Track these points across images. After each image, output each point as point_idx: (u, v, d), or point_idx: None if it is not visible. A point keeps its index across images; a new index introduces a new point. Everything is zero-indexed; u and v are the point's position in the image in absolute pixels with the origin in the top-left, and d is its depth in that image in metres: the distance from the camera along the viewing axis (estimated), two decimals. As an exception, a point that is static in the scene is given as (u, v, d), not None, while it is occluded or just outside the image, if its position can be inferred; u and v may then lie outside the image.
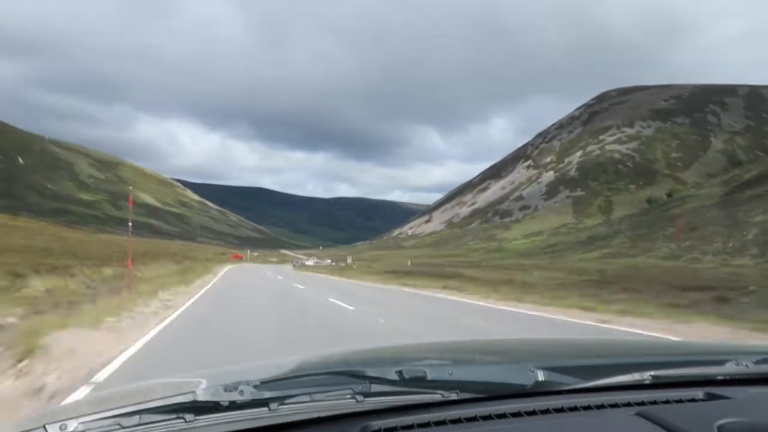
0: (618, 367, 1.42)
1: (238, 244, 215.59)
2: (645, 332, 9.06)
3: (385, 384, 1.14)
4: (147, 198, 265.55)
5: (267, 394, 1.04)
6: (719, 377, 1.42)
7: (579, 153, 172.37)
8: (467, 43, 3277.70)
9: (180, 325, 9.66)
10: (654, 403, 1.25)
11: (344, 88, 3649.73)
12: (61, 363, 5.58)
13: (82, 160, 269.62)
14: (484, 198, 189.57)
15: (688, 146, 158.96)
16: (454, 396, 1.18)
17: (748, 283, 18.04)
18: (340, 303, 15.00)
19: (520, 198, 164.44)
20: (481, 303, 15.83)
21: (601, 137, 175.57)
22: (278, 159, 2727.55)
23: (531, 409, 1.17)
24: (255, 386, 1.04)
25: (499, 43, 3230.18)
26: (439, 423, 1.09)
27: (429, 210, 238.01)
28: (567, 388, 1.28)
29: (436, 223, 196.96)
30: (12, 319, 7.93)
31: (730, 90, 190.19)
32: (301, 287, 23.87)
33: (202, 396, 1.01)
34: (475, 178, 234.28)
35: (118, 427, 0.95)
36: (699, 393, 1.32)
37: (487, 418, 1.12)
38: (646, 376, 1.35)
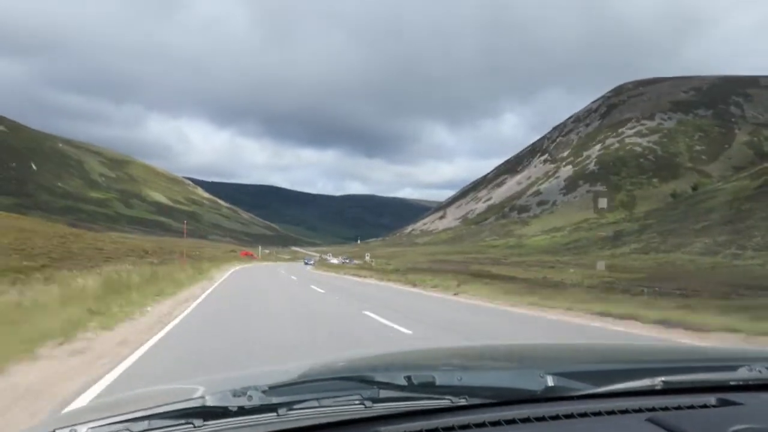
0: (629, 372, 1.41)
1: (250, 241, 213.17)
2: None
3: (394, 389, 1.13)
4: (158, 196, 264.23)
5: (275, 400, 1.04)
6: (732, 383, 1.39)
7: (598, 147, 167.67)
8: (479, 37, 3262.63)
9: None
10: (665, 409, 1.23)
11: (354, 85, 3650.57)
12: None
13: (93, 159, 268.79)
14: (499, 193, 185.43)
15: (712, 139, 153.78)
16: (463, 402, 1.16)
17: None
18: (390, 324, 9.97)
19: (537, 193, 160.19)
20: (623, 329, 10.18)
21: (620, 130, 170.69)
22: (288, 157, 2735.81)
23: (540, 415, 1.15)
24: (263, 391, 1.04)
25: (511, 37, 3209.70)
26: (448, 429, 1.08)
27: (443, 206, 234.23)
28: (577, 393, 1.26)
29: (450, 219, 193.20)
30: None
31: (752, 81, 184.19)
32: (320, 291, 19.96)
33: (210, 401, 1.01)
34: (489, 173, 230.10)
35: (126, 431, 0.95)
36: (711, 399, 1.30)
37: (496, 424, 1.11)
38: (657, 381, 1.34)
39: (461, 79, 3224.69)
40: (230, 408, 1.00)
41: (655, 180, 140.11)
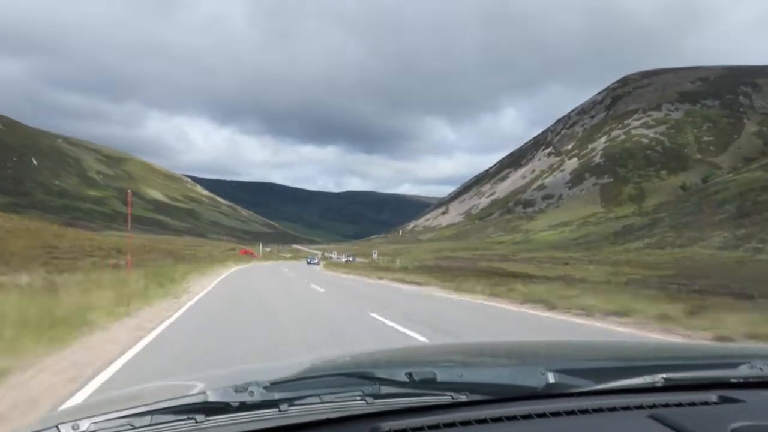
0: (630, 369, 1.41)
1: (249, 239, 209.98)
2: None
3: (395, 386, 1.13)
4: (155, 194, 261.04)
5: (277, 395, 1.04)
6: (733, 380, 1.39)
7: (603, 139, 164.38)
8: (479, 32, 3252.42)
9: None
10: (666, 406, 1.23)
11: (353, 81, 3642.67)
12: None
13: (90, 156, 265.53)
14: (503, 187, 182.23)
15: (720, 129, 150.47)
16: (464, 398, 1.17)
17: None
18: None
19: (542, 187, 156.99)
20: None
21: (626, 122, 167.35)
22: (288, 153, 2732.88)
23: (541, 412, 1.15)
24: (265, 387, 1.04)
25: (511, 32, 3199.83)
26: (449, 425, 1.08)
27: (445, 201, 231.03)
28: (578, 390, 1.26)
29: (454, 214, 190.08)
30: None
31: (759, 71, 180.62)
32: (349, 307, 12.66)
33: (212, 397, 1.01)
34: (492, 167, 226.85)
35: (129, 427, 0.95)
36: (712, 396, 1.31)
37: (497, 420, 1.12)
38: (659, 378, 1.34)
39: (462, 74, 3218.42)
40: (232, 404, 1.00)
41: (663, 172, 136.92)
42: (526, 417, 1.13)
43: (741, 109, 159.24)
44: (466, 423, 1.09)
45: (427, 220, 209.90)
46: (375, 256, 68.47)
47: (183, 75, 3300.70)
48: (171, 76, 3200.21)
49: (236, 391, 1.02)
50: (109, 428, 0.95)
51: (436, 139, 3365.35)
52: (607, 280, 30.44)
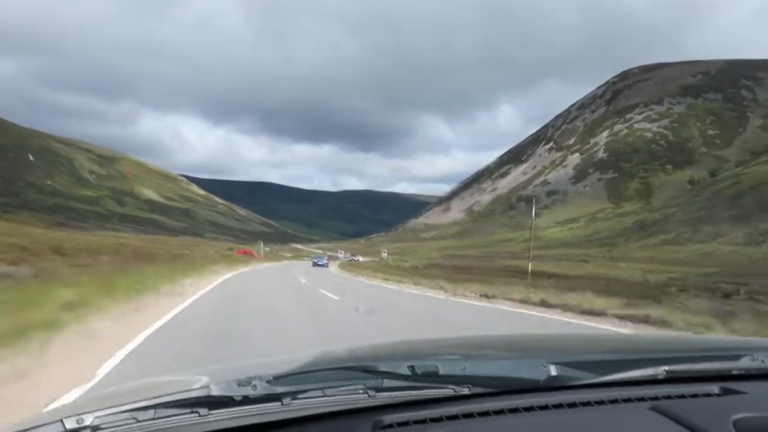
0: (632, 362, 1.41)
1: (247, 239, 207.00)
2: None
3: (398, 379, 1.13)
4: (150, 193, 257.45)
5: (280, 389, 1.04)
6: (734, 372, 1.40)
7: (605, 133, 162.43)
8: (476, 28, 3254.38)
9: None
10: (668, 398, 1.23)
11: (349, 79, 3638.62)
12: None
13: (83, 156, 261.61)
14: (505, 184, 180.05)
15: (725, 123, 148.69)
16: (466, 391, 1.16)
17: None
18: None
19: (545, 183, 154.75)
20: None
21: (628, 116, 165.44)
22: (284, 152, 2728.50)
23: (544, 404, 1.15)
24: (268, 381, 1.03)
25: (508, 29, 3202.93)
26: (452, 417, 1.08)
27: (445, 199, 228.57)
28: (580, 383, 1.26)
29: (455, 212, 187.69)
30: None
31: (761, 65, 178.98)
32: None
33: (215, 391, 1.01)
34: (492, 163, 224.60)
35: (133, 421, 0.96)
36: (714, 388, 1.31)
37: (500, 412, 1.12)
38: (660, 370, 1.34)
39: (458, 71, 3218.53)
40: (235, 397, 1.00)
41: (668, 166, 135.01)
42: (529, 409, 1.13)
43: (744, 103, 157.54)
44: (468, 416, 1.09)
45: (427, 217, 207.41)
46: (384, 255, 66.00)
47: (178, 74, 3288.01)
48: (166, 74, 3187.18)
49: (239, 385, 1.02)
50: (112, 422, 0.95)
51: (433, 137, 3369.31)
52: (645, 281, 28.04)
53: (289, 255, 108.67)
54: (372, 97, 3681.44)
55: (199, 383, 1.07)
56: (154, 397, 1.00)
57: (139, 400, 0.99)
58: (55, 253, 23.34)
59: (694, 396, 1.26)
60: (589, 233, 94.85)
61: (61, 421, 0.93)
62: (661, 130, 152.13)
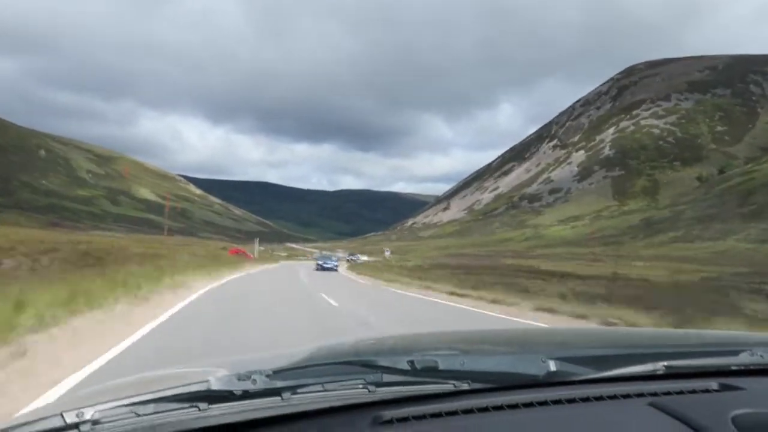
0: (631, 357, 1.41)
1: (243, 238, 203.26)
2: None
3: (397, 374, 1.13)
4: (146, 193, 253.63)
5: (279, 384, 1.04)
6: (733, 367, 1.40)
7: (611, 130, 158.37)
8: (475, 27, 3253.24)
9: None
10: (667, 393, 1.23)
11: (348, 79, 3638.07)
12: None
13: (80, 156, 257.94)
14: (507, 182, 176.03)
15: (734, 119, 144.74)
16: (465, 386, 1.17)
17: None
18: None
19: (549, 181, 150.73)
20: None
21: (634, 112, 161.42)
22: (282, 152, 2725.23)
23: (543, 400, 1.16)
24: (268, 375, 1.03)
25: (509, 27, 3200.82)
26: (451, 413, 1.08)
27: (445, 197, 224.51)
28: (579, 378, 1.26)
29: (455, 210, 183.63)
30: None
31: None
32: None
33: (215, 385, 1.01)
34: (494, 161, 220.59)
35: (133, 414, 0.96)
36: (713, 383, 1.30)
37: (499, 408, 1.11)
38: (659, 366, 1.34)
39: (458, 70, 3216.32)
40: (235, 392, 1.00)
41: (676, 163, 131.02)
42: (528, 405, 1.13)
43: (753, 98, 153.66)
44: (468, 411, 1.09)
45: (427, 216, 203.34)
46: (388, 254, 62.25)
47: (177, 73, 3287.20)
48: (165, 74, 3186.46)
49: (239, 380, 1.02)
50: (112, 416, 0.95)
51: (432, 136, 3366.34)
52: (675, 282, 24.35)
53: (285, 254, 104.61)
54: (371, 97, 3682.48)
55: (199, 377, 1.08)
56: (154, 391, 1.00)
57: (139, 394, 0.99)
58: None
59: (693, 392, 1.26)
60: (593, 231, 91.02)
61: (61, 414, 0.93)
62: (668, 126, 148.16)
